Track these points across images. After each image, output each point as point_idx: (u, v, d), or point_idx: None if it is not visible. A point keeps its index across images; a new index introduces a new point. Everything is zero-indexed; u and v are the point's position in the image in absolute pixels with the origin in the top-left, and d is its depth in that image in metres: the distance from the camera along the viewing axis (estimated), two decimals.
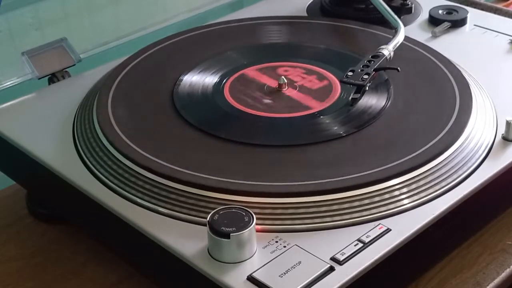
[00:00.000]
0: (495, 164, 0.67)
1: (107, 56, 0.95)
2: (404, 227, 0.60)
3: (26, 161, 0.72)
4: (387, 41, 0.81)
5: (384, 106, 0.73)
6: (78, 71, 0.86)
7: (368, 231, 0.59)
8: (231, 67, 0.81)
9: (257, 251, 0.58)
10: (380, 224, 0.60)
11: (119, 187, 0.65)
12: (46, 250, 0.74)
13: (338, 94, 0.75)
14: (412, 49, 0.84)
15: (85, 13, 1.02)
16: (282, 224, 0.60)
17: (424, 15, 0.94)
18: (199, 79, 0.79)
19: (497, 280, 0.66)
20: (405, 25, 0.88)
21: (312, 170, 0.64)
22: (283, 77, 0.77)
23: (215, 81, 0.79)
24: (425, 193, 0.63)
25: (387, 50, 0.79)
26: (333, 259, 0.57)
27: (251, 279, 0.55)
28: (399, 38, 0.82)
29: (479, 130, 0.70)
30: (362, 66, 0.77)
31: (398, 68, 0.77)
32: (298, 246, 0.58)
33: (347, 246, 0.58)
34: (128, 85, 0.79)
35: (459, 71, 0.78)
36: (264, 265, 0.56)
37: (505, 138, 0.69)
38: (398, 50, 0.81)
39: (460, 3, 0.97)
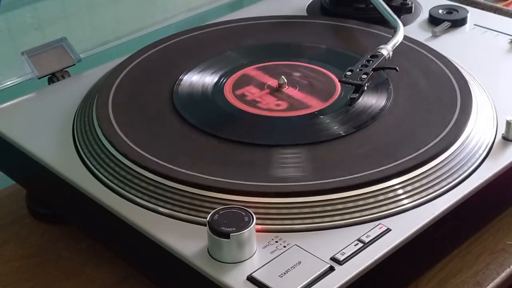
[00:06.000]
0: (495, 164, 0.67)
1: (107, 56, 0.95)
2: (404, 227, 0.60)
3: (26, 161, 0.72)
4: (387, 41, 0.81)
5: (384, 106, 0.73)
6: (78, 71, 0.86)
7: (368, 231, 0.59)
8: (231, 67, 0.81)
9: (257, 251, 0.58)
10: (380, 224, 0.60)
11: (119, 187, 0.65)
12: (46, 250, 0.74)
13: (338, 94, 0.75)
14: (412, 48, 0.84)
15: (85, 13, 1.02)
16: (282, 224, 0.60)
17: (424, 15, 0.94)
18: (199, 79, 0.79)
19: (497, 280, 0.66)
20: (405, 24, 0.88)
21: (312, 170, 0.64)
22: (283, 76, 0.77)
23: (215, 81, 0.79)
24: (425, 193, 0.63)
25: (386, 50, 0.79)
26: (333, 259, 0.57)
27: (251, 279, 0.55)
28: (398, 38, 0.82)
29: (479, 130, 0.70)
30: (361, 66, 0.77)
31: (397, 68, 0.77)
32: (298, 246, 0.58)
33: (347, 246, 0.58)
34: (128, 85, 0.79)
35: (459, 70, 0.78)
36: (264, 265, 0.56)
37: (505, 138, 0.69)
38: (398, 49, 0.81)
39: (460, 3, 0.97)
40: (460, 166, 0.66)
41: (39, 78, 0.85)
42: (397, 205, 0.62)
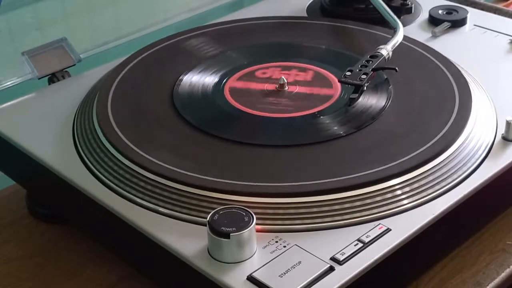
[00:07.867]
0: (495, 164, 0.67)
1: (107, 56, 0.95)
2: (404, 227, 0.60)
3: (26, 161, 0.72)
4: (386, 41, 0.81)
5: (384, 106, 0.73)
6: (78, 71, 0.86)
7: (368, 231, 0.59)
8: (231, 67, 0.81)
9: (257, 251, 0.58)
10: (380, 224, 0.60)
11: (119, 187, 0.65)
12: (46, 250, 0.74)
13: (338, 94, 0.75)
14: (412, 49, 0.84)
15: (85, 13, 1.02)
16: (282, 224, 0.60)
17: (424, 15, 0.94)
18: (199, 79, 0.79)
19: (497, 280, 0.66)
20: (405, 25, 0.88)
21: (312, 170, 0.64)
22: (283, 77, 0.77)
23: (215, 81, 0.79)
24: (425, 193, 0.63)
25: (386, 50, 0.79)
26: (333, 259, 0.57)
27: (251, 279, 0.55)
28: (397, 38, 0.82)
29: (479, 130, 0.70)
30: (360, 66, 0.77)
31: (396, 68, 0.77)
32: (298, 246, 0.58)
33: (347, 246, 0.58)
34: (128, 85, 0.79)
35: (459, 71, 0.78)
36: (264, 265, 0.56)
37: (505, 138, 0.69)
38: (398, 50, 0.81)
39: (460, 3, 0.97)
40: (460, 166, 0.66)
41: (39, 78, 0.85)
42: (397, 205, 0.62)
